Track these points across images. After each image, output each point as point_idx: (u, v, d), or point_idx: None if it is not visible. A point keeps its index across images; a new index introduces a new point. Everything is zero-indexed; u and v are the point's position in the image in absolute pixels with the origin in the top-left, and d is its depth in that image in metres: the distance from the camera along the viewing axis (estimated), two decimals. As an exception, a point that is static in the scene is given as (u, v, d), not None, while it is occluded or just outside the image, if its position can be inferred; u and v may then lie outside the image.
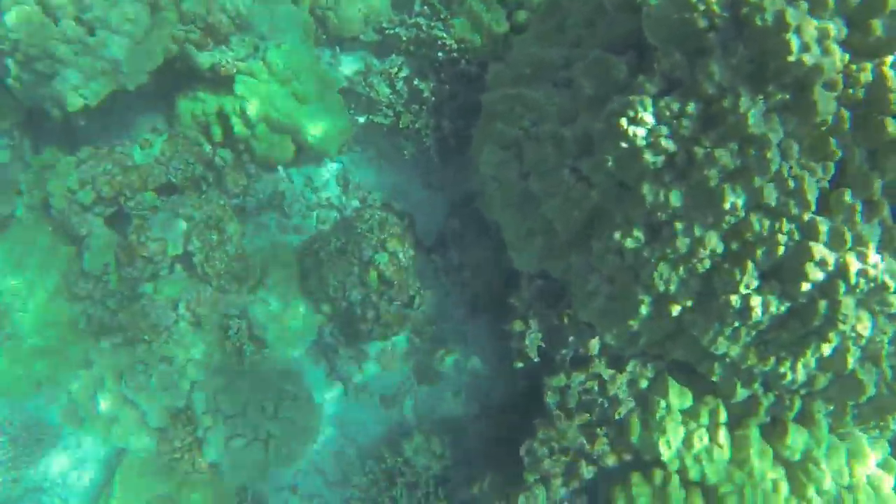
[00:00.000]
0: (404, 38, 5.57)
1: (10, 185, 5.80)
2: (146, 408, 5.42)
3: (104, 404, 5.45)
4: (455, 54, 5.39)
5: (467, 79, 5.54)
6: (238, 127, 5.45)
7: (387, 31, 5.66)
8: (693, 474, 4.32)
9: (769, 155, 3.42)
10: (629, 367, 4.77)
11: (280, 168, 5.85)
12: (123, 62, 4.82)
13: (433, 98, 5.53)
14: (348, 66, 5.88)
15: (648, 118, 3.69)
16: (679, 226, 3.83)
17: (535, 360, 4.92)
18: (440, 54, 5.42)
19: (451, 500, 5.47)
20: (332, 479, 5.81)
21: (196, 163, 5.50)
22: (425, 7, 5.62)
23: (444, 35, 5.41)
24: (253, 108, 5.36)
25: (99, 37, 4.69)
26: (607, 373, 4.75)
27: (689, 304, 4.05)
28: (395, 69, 5.65)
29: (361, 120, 5.86)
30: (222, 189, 5.61)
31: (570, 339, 4.87)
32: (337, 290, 5.50)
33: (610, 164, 3.93)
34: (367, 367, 5.88)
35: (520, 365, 4.98)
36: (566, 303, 4.90)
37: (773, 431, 4.45)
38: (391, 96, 5.62)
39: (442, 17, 5.55)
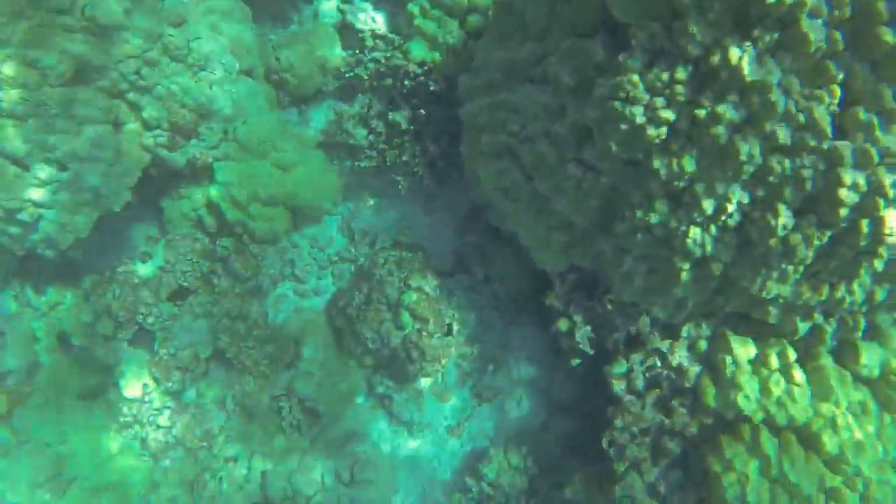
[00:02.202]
0: (366, 77, 5.50)
1: (25, 335, 5.71)
2: (224, 513, 5.36)
3: (182, 521, 5.39)
4: (421, 78, 5.31)
5: (439, 98, 5.47)
6: (230, 213, 5.37)
7: (347, 75, 5.58)
8: (780, 420, 4.28)
9: (773, 97, 3.37)
10: (684, 333, 4.74)
11: (282, 238, 5.77)
12: (102, 187, 4.74)
13: (411, 126, 5.46)
14: (319, 119, 5.81)
15: (641, 94, 3.64)
16: (700, 188, 3.78)
17: (591, 353, 4.89)
18: (406, 82, 5.35)
19: (547, 509, 5.44)
20: (425, 523, 5.78)
21: (200, 260, 5.43)
22: (377, 41, 5.54)
23: (405, 62, 5.34)
24: (239, 191, 5.29)
25: (72, 170, 4.60)
26: (664, 344, 4.72)
27: (729, 259, 4.01)
28: (366, 109, 5.58)
29: (348, 166, 5.78)
30: (233, 276, 5.53)
31: (619, 322, 4.84)
32: (375, 342, 5.44)
33: (614, 148, 3.87)
34: (424, 404, 5.82)
35: (577, 362, 4.94)
36: (604, 288, 4.86)
37: (845, 355, 4.43)
38: (370, 137, 5.55)
39: (396, 45, 5.49)
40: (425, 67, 5.35)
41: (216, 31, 4.96)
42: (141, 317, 5.26)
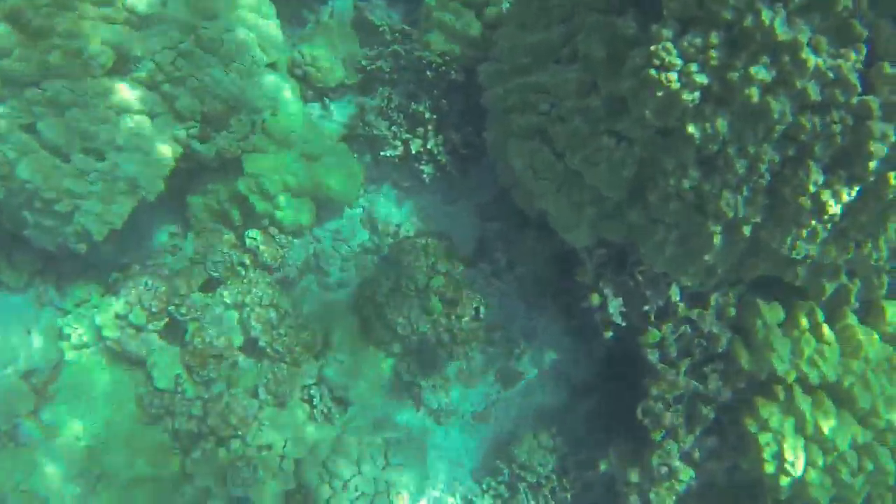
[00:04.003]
0: (387, 70, 5.65)
1: (51, 332, 5.72)
2: (259, 501, 5.36)
3: (218, 512, 5.39)
4: (442, 68, 5.47)
5: (459, 88, 5.63)
6: (259, 204, 5.45)
7: (368, 68, 5.73)
8: (813, 378, 4.43)
9: (804, 55, 3.57)
10: (712, 301, 4.89)
11: (305, 231, 5.86)
12: (139, 177, 4.81)
13: (434, 116, 5.61)
14: (341, 113, 5.94)
15: (676, 61, 3.82)
16: (732, 150, 3.96)
17: (623, 325, 5.01)
18: (428, 73, 5.50)
19: (578, 486, 5.51)
20: (457, 508, 5.82)
21: (231, 250, 5.50)
22: (396, 34, 5.71)
23: (426, 53, 5.50)
24: (268, 181, 5.38)
25: (110, 159, 4.68)
26: (695, 313, 4.85)
27: (759, 220, 4.18)
28: (386, 101, 5.73)
29: (369, 159, 5.91)
30: (262, 267, 5.60)
31: (648, 293, 4.98)
32: (405, 327, 5.52)
33: (649, 115, 4.04)
34: (451, 391, 5.90)
35: (609, 335, 5.06)
36: (634, 261, 5.00)
37: (869, 315, 4.60)
38: (393, 128, 5.68)
39: (414, 38, 5.65)
40: (446, 58, 5.51)
41: (244, 26, 5.08)
42: (173, 307, 5.29)
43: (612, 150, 4.38)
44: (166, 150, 4.92)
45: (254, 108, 5.27)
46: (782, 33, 3.56)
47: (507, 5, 5.54)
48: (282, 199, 5.49)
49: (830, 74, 3.62)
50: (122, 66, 4.63)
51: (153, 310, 5.26)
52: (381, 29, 5.78)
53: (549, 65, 4.75)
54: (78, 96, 4.46)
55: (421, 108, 5.61)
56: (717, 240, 4.30)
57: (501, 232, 5.82)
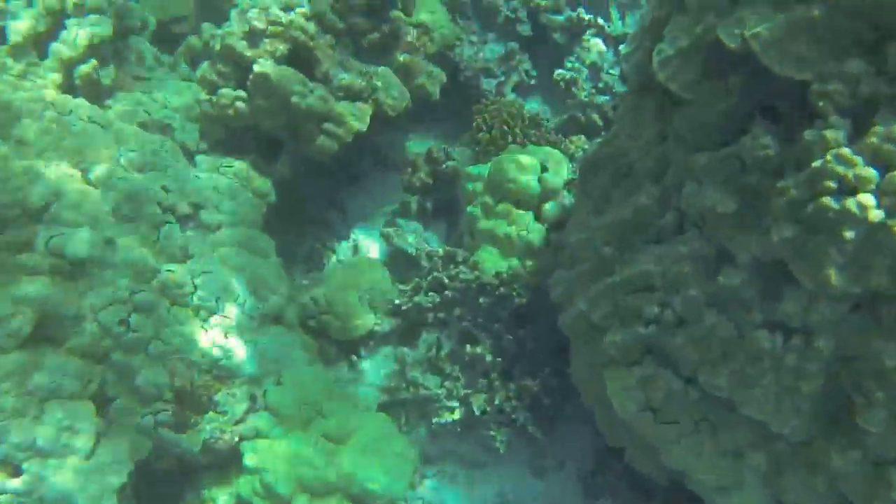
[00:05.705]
0: (429, 305, 4.26)
1: None
2: None
3: None
4: (500, 290, 4.07)
5: (526, 315, 4.17)
6: (268, 513, 3.80)
7: (404, 308, 4.35)
8: None
9: None
10: None
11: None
12: (75, 496, 3.29)
13: (498, 359, 4.08)
14: (376, 372, 4.45)
15: (867, 172, 2.26)
16: None
17: None
18: (481, 300, 4.08)
19: None
20: None
21: None
22: (435, 259, 4.42)
23: (475, 276, 4.14)
24: (279, 480, 3.78)
25: (30, 474, 3.21)
26: None
27: None
28: (434, 349, 4.27)
29: (423, 432, 4.31)
30: None
31: None
32: None
33: (834, 278, 2.38)
34: None
35: None
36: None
37: None
38: (446, 384, 4.16)
39: (459, 260, 4.34)
40: (503, 277, 4.13)
41: (230, 267, 3.85)
42: None
43: (778, 355, 2.66)
44: (120, 453, 3.44)
45: (248, 376, 3.86)
46: None
47: (570, 199, 4.23)
48: (300, 501, 3.83)
49: None
50: (48, 331, 3.34)
51: None
52: (416, 256, 4.50)
53: (646, 247, 3.24)
54: (-22, 384, 3.13)
55: (480, 351, 4.10)
56: None
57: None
